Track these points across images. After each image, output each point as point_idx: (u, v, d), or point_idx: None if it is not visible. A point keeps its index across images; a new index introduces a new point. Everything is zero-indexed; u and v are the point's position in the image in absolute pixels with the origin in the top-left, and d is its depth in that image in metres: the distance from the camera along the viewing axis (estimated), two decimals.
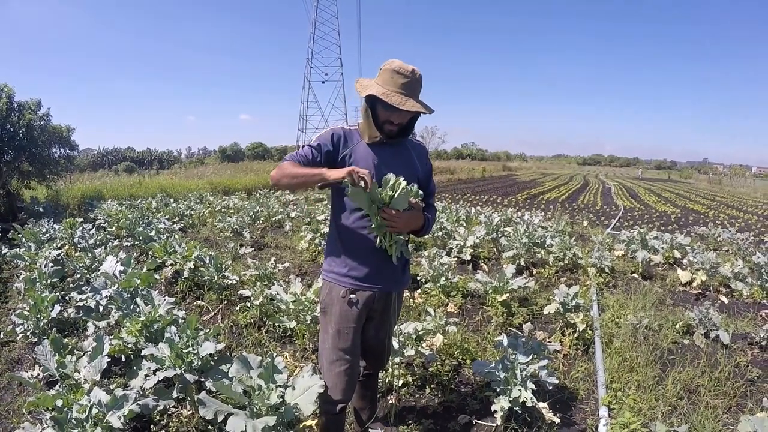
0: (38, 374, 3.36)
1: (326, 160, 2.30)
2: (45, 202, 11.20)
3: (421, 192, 2.27)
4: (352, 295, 2.34)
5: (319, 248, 7.53)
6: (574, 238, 9.15)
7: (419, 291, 5.55)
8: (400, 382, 3.52)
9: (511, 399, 2.92)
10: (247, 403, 2.23)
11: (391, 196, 2.15)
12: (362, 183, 2.03)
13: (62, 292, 4.80)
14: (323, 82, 61.79)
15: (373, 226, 2.22)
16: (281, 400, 2.21)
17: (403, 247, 2.33)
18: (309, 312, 4.03)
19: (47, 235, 7.37)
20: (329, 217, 2.51)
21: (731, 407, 3.42)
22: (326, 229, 7.55)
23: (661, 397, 3.47)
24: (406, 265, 2.51)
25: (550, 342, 4.23)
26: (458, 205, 14.10)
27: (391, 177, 2.18)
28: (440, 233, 8.16)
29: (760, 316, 5.40)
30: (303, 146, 2.35)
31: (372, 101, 2.27)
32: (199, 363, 2.86)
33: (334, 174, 2.09)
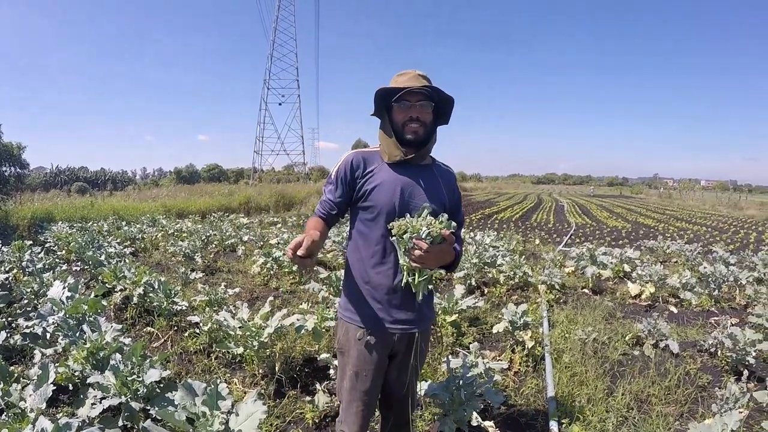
0: None
1: (351, 189, 2.20)
2: None
3: (454, 223, 2.00)
4: (369, 338, 2.14)
5: (272, 272, 7.48)
6: (525, 256, 9.36)
7: None
8: None
9: (457, 420, 2.97)
10: (191, 430, 2.21)
11: (426, 230, 1.90)
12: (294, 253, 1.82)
13: (9, 318, 4.66)
14: (280, 104, 61.82)
15: (401, 261, 2.00)
16: (224, 426, 2.20)
17: (428, 282, 2.05)
18: (256, 338, 3.92)
19: None
20: (347, 250, 2.33)
21: (683, 414, 3.52)
22: (278, 253, 7.52)
23: (612, 408, 3.52)
24: (430, 300, 2.29)
25: (499, 360, 4.30)
26: None
27: (425, 206, 2.03)
28: None
29: (709, 323, 5.63)
30: (325, 186, 2.26)
31: (387, 104, 2.21)
32: (145, 390, 2.83)
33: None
